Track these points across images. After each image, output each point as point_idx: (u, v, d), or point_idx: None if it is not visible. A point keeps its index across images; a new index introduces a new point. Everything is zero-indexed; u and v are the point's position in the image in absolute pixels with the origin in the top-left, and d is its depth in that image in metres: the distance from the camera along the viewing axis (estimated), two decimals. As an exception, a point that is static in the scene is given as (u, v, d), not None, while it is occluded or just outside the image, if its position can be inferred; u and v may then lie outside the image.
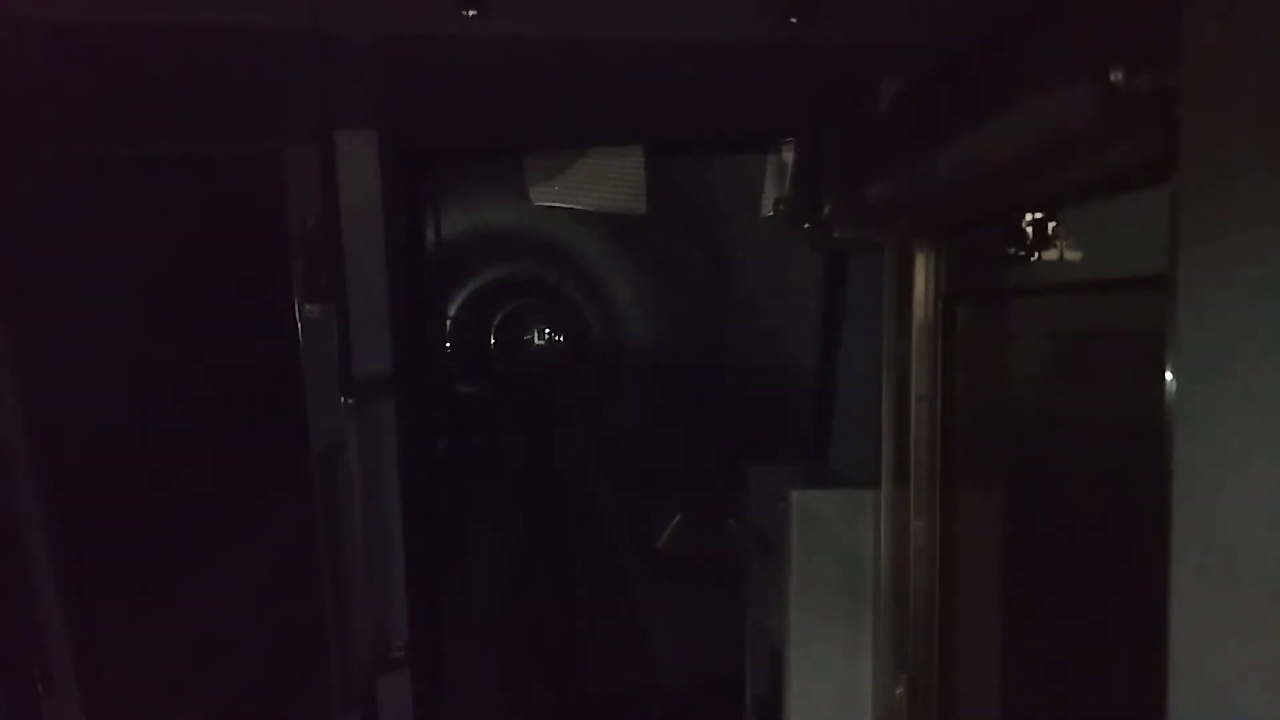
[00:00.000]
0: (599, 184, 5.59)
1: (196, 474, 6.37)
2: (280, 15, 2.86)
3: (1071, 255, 2.83)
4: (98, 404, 5.73)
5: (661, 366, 12.66)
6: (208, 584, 6.63)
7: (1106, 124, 2.12)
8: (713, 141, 5.29)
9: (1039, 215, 2.87)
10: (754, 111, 4.21)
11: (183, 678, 5.58)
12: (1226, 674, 1.70)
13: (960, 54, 2.91)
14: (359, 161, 4.32)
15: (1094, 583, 3.04)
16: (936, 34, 2.96)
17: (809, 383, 4.92)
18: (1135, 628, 2.62)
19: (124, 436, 5.94)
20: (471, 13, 2.82)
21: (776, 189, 4.60)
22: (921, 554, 3.81)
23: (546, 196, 5.59)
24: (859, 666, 4.04)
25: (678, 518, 5.86)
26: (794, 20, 2.93)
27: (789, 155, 4.50)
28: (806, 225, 3.96)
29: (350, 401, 4.31)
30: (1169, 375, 1.78)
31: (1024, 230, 2.92)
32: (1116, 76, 1.89)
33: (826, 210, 3.83)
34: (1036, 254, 2.89)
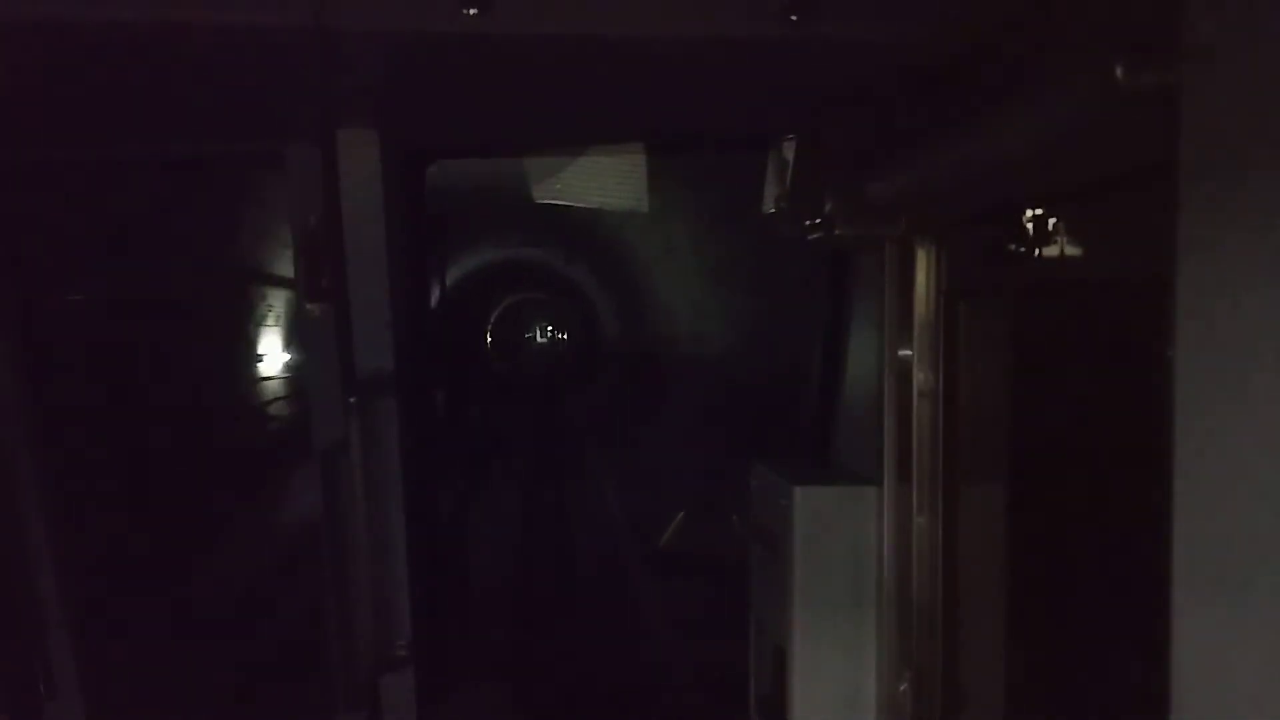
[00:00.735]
0: (600, 182, 5.60)
1: (198, 474, 6.38)
2: (282, 14, 2.86)
3: (1072, 252, 2.84)
4: (99, 404, 5.74)
5: (663, 364, 12.69)
6: (210, 584, 6.64)
7: (1108, 121, 2.13)
8: (714, 139, 5.29)
9: (1040, 212, 2.87)
10: (755, 109, 4.21)
11: (185, 677, 5.59)
12: (1229, 671, 1.70)
13: (961, 51, 2.91)
14: (360, 160, 4.32)
15: (1096, 578, 3.04)
16: (937, 32, 2.96)
17: (811, 379, 4.92)
18: (1137, 623, 2.63)
19: (125, 436, 5.95)
20: (473, 11, 2.82)
21: (778, 186, 4.59)
22: (924, 550, 3.81)
23: (548, 194, 5.59)
24: (862, 662, 4.04)
25: (680, 515, 5.87)
26: (794, 18, 2.93)
27: (790, 152, 4.50)
28: (808, 222, 3.96)
29: (352, 400, 4.31)
30: (1170, 373, 1.78)
31: (1025, 227, 2.92)
32: (1119, 73, 1.90)
33: (828, 207, 3.83)
34: (1037, 250, 2.90)
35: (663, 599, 8.38)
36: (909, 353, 3.76)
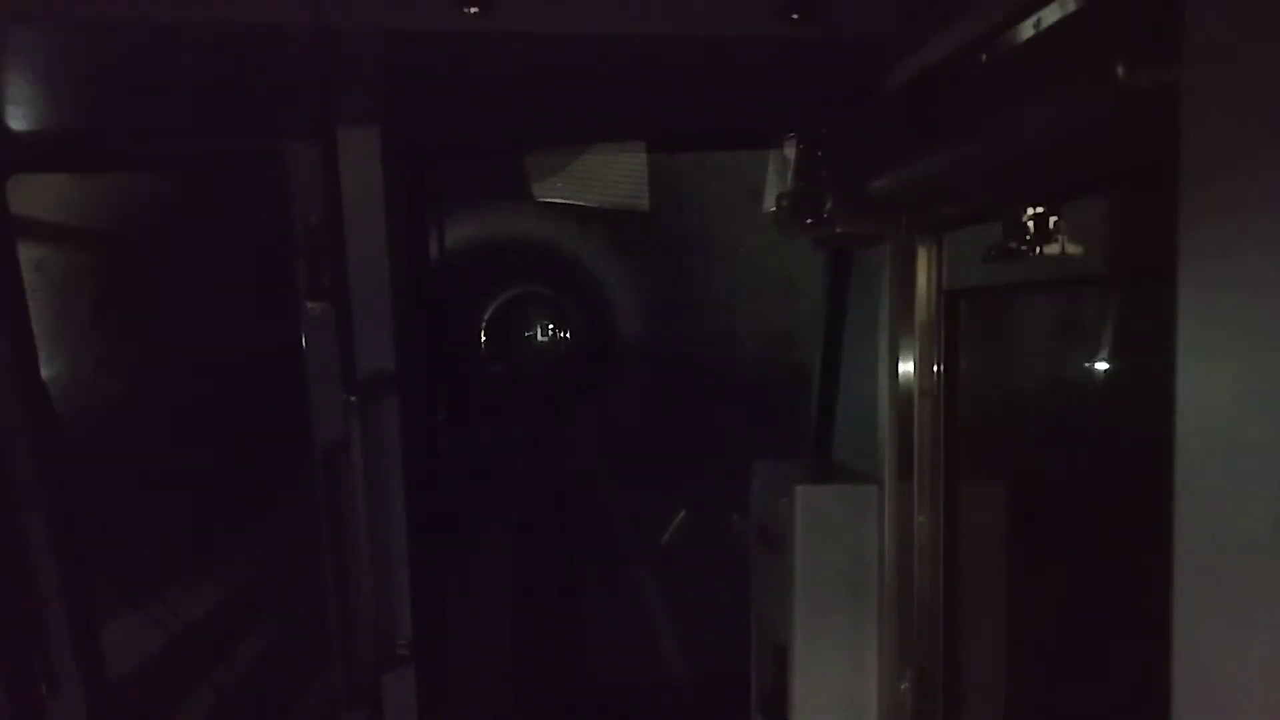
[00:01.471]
0: (601, 180, 5.59)
1: (200, 473, 6.38)
2: (282, 12, 2.86)
3: (1073, 250, 2.83)
4: (100, 403, 5.74)
5: (664, 362, 12.68)
6: (212, 583, 6.65)
7: (1109, 119, 2.12)
8: (715, 137, 5.29)
9: (1041, 210, 2.87)
10: (756, 107, 4.21)
11: (186, 677, 5.60)
12: (1230, 670, 1.70)
13: (962, 49, 2.91)
14: (361, 158, 4.32)
15: (1097, 577, 3.04)
16: (937, 29, 2.96)
17: (812, 378, 4.92)
18: (1138, 621, 2.63)
19: (127, 436, 5.96)
20: (473, 9, 2.82)
21: (779, 185, 4.59)
22: (925, 548, 3.81)
23: (549, 193, 5.58)
24: (864, 660, 4.04)
25: (681, 513, 5.87)
26: (795, 16, 2.93)
27: (791, 151, 4.49)
28: (809, 221, 3.96)
29: (353, 399, 4.31)
30: (1170, 372, 1.78)
31: (1025, 225, 2.92)
32: (1119, 72, 1.89)
33: (829, 206, 3.83)
34: (1038, 249, 2.89)
35: (664, 598, 8.39)
36: (910, 351, 3.76)
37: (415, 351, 4.95)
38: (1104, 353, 3.11)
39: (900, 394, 3.81)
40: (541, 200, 5.34)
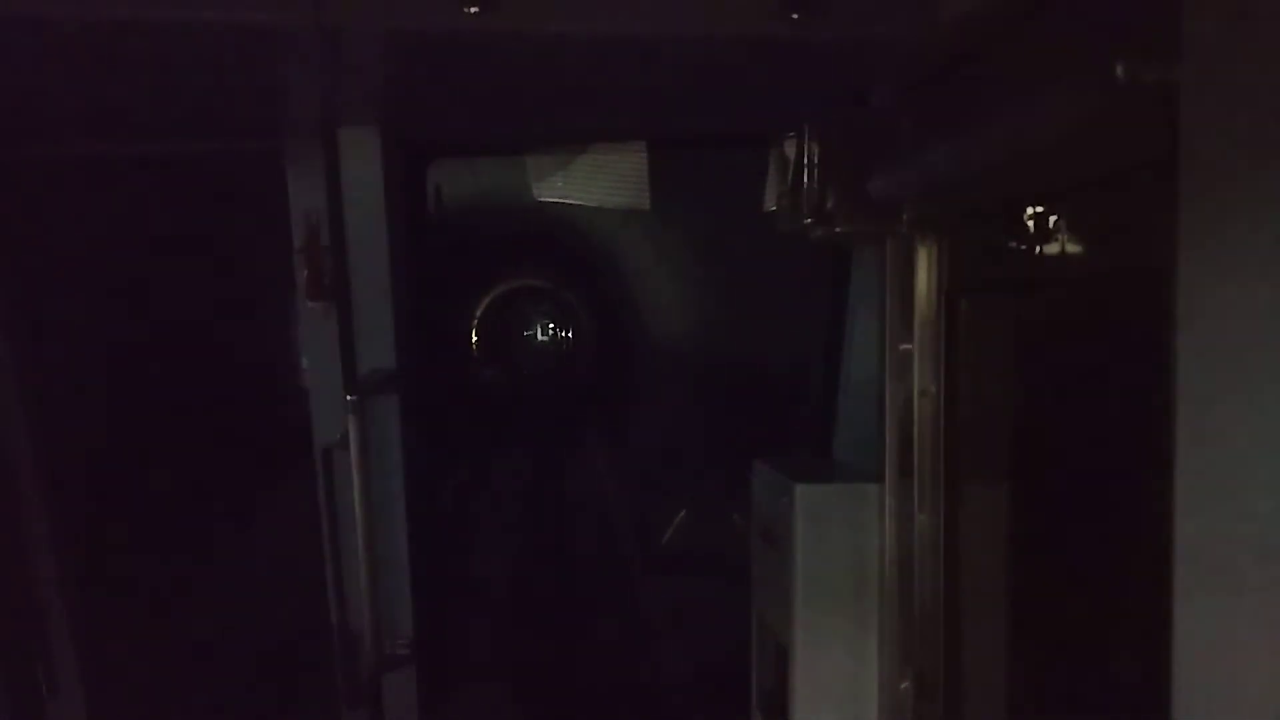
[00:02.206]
0: (602, 179, 5.59)
1: (200, 472, 6.37)
2: (283, 12, 2.86)
3: (1073, 248, 2.83)
4: (100, 403, 5.73)
5: (664, 362, 12.65)
6: (211, 583, 6.63)
7: (1109, 118, 2.13)
8: (716, 136, 5.29)
9: (1041, 209, 2.87)
10: (757, 106, 4.21)
11: (187, 676, 5.59)
12: (1230, 669, 1.70)
13: (962, 48, 2.91)
14: (362, 158, 4.32)
15: (1098, 576, 3.04)
16: (938, 29, 2.96)
17: (812, 377, 4.92)
18: (1139, 621, 2.63)
19: (127, 435, 5.95)
20: (474, 9, 2.81)
21: (779, 184, 4.59)
22: (926, 547, 3.81)
23: (550, 192, 5.58)
24: (864, 660, 4.04)
25: (682, 513, 5.86)
26: (796, 16, 2.92)
27: (792, 150, 4.49)
28: (809, 220, 3.96)
29: (353, 398, 4.32)
30: (1171, 371, 1.78)
31: (1026, 224, 2.92)
32: (1119, 72, 1.89)
33: (829, 205, 3.83)
34: (1039, 247, 2.89)
35: (664, 598, 8.37)
36: (910, 350, 3.75)
37: (417, 350, 4.95)
38: (1104, 352, 3.11)
39: (900, 393, 3.81)
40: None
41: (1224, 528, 1.68)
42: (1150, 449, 1.92)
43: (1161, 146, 1.82)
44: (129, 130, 4.31)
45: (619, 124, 4.75)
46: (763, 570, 4.49)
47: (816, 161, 4.09)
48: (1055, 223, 2.82)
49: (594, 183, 5.56)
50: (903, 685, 3.91)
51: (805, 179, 4.20)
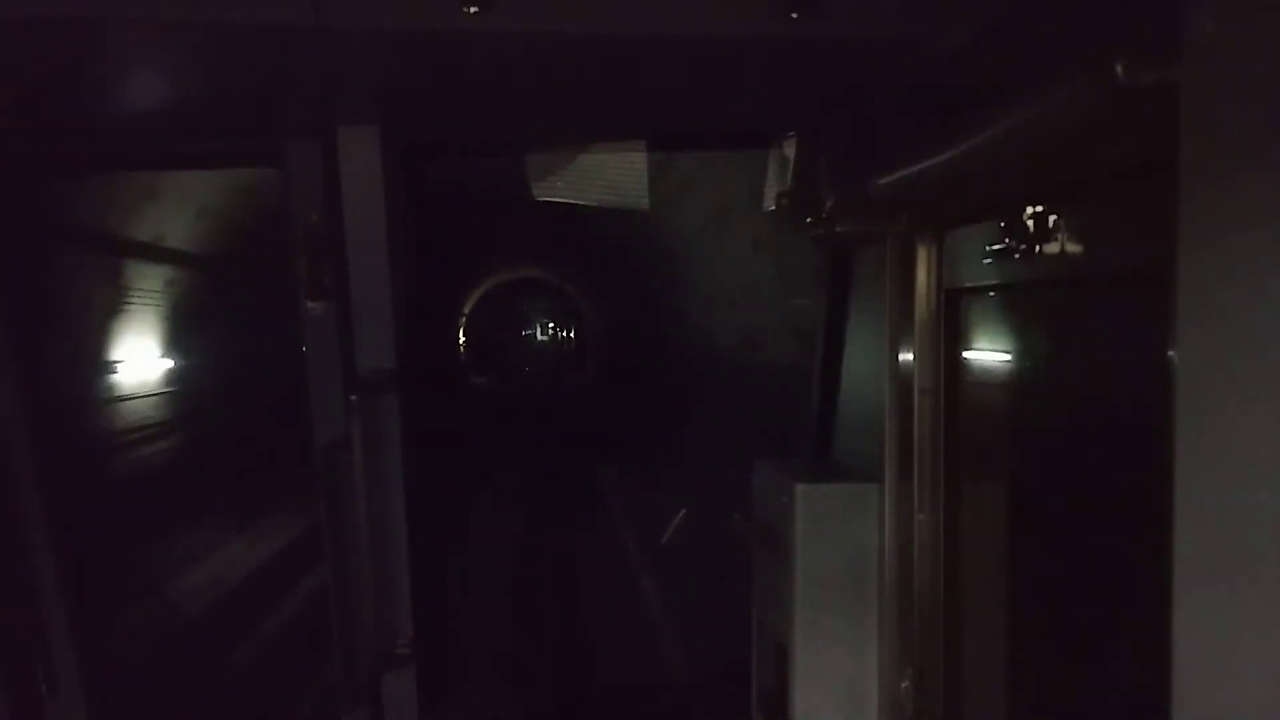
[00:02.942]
0: (601, 179, 5.60)
1: (200, 472, 6.38)
2: (282, 12, 2.86)
3: (1073, 248, 2.83)
4: (100, 403, 5.74)
5: (664, 362, 12.67)
6: (211, 582, 6.65)
7: (1108, 117, 2.13)
8: (715, 136, 5.29)
9: (1041, 209, 2.87)
10: (756, 106, 4.21)
11: (187, 676, 5.60)
12: (1230, 669, 1.70)
13: (962, 47, 2.91)
14: (361, 158, 4.32)
15: (1097, 575, 3.04)
16: (937, 28, 2.96)
17: (812, 377, 4.92)
18: (1139, 620, 2.63)
19: (127, 435, 5.96)
20: (473, 9, 2.82)
21: (779, 183, 4.59)
22: (925, 547, 3.81)
23: (549, 192, 5.59)
24: (864, 659, 4.04)
25: (682, 513, 5.87)
26: (795, 15, 2.93)
27: (791, 149, 4.50)
28: (809, 219, 3.96)
29: (354, 398, 4.31)
30: (1171, 371, 1.78)
31: (1025, 224, 2.92)
32: (1119, 72, 1.89)
33: (828, 204, 3.83)
34: (1038, 247, 2.89)
35: (664, 598, 8.38)
36: (910, 349, 3.76)
37: (417, 350, 4.95)
38: (1103, 352, 3.11)
39: (900, 393, 3.81)
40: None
41: (1224, 528, 1.68)
42: (1150, 449, 1.92)
43: (1161, 146, 1.81)
44: (130, 130, 4.31)
45: (618, 124, 4.75)
46: (763, 570, 4.49)
47: (816, 162, 4.09)
48: (1055, 223, 2.82)
49: (593, 182, 5.57)
50: (902, 685, 3.91)
51: (804, 179, 4.21)
